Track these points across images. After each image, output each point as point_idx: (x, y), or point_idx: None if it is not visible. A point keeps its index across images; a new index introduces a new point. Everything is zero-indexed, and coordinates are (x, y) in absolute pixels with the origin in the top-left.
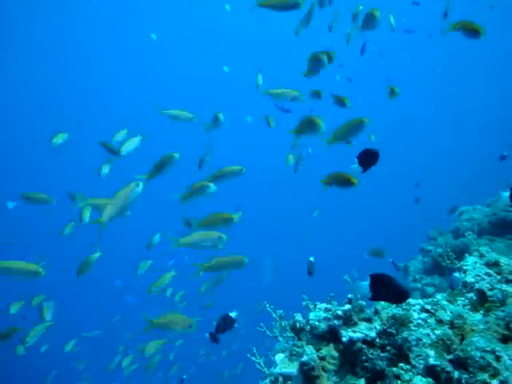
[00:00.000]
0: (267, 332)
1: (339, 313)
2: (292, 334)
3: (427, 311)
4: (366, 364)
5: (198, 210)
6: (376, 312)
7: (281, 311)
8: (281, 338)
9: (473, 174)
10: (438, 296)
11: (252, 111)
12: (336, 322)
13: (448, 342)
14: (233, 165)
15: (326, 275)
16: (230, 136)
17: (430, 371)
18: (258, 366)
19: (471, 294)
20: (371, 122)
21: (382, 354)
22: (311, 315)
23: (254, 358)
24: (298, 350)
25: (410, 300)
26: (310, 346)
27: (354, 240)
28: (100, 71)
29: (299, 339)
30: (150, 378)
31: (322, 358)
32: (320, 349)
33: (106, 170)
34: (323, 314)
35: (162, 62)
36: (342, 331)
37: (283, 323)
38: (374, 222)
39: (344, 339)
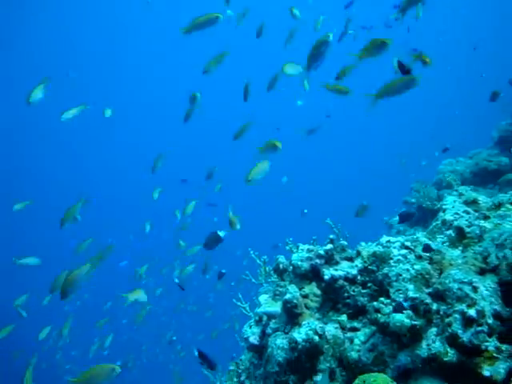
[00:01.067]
0: (252, 280)
1: (321, 252)
2: (276, 279)
3: (407, 248)
4: (348, 301)
5: None
6: (358, 254)
7: (265, 257)
8: (266, 284)
9: (456, 128)
10: (418, 234)
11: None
12: (318, 261)
13: (427, 277)
14: None
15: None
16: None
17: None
18: (244, 311)
19: (450, 232)
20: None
21: (363, 291)
22: (294, 256)
23: (239, 303)
24: (281, 289)
25: (391, 238)
26: (292, 285)
27: (341, 194)
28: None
29: (282, 280)
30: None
31: (305, 296)
32: (303, 287)
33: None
34: (306, 255)
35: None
36: (324, 270)
37: (267, 268)
38: (361, 177)
39: (326, 277)
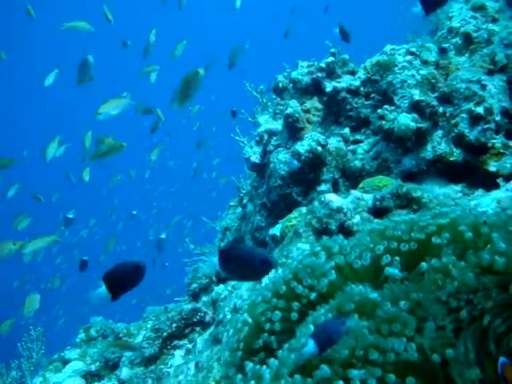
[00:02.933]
0: (248, 118)
1: (322, 65)
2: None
3: (412, 53)
4: (351, 113)
5: None
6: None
7: (262, 87)
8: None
9: None
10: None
11: None
12: (319, 74)
13: (433, 81)
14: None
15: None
16: None
17: (414, 107)
18: (242, 144)
19: (456, 39)
20: None
21: (366, 102)
22: (293, 73)
23: (237, 138)
24: (281, 108)
25: (395, 46)
26: (293, 100)
27: None
28: None
29: (282, 99)
30: None
31: (307, 111)
32: (304, 102)
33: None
34: (306, 70)
35: None
36: (326, 82)
37: (265, 99)
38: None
39: (328, 90)
